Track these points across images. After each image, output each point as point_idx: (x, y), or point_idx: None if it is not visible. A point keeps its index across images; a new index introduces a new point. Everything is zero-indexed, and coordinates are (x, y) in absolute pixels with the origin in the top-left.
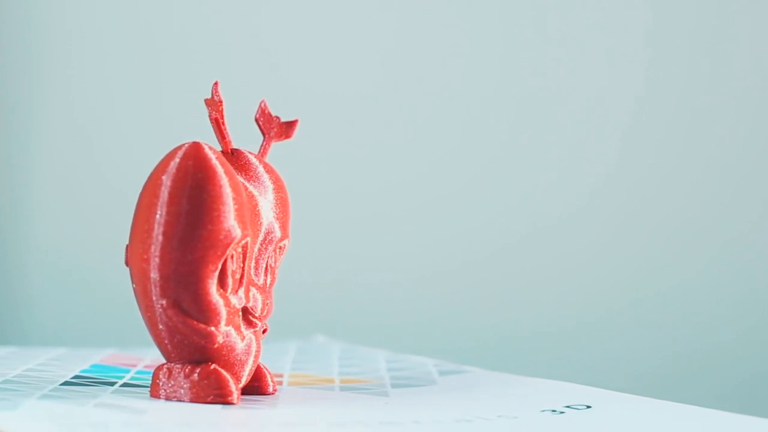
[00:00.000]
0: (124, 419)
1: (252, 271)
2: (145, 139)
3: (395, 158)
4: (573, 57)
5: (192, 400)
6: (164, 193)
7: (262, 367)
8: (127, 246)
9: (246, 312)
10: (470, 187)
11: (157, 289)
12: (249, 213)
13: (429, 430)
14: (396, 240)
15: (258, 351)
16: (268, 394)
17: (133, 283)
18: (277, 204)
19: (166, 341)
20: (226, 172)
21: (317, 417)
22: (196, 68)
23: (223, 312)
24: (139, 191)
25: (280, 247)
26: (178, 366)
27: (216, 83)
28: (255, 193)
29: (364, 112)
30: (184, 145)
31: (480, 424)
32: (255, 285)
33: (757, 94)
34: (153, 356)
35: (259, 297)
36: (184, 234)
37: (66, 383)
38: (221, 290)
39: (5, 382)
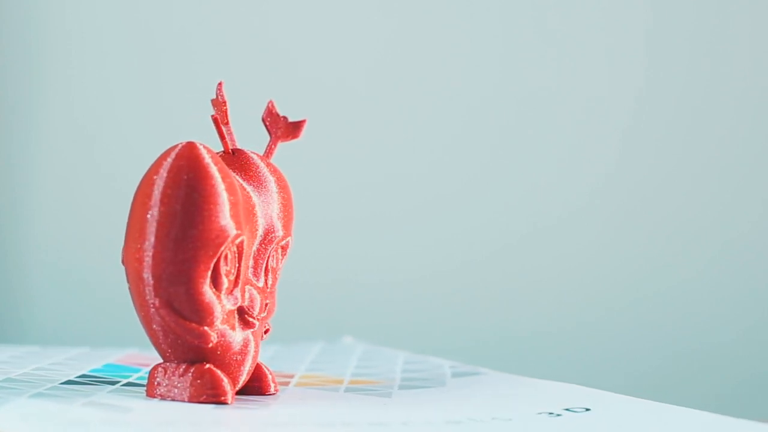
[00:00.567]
0: (104, 417)
1: (250, 271)
2: (145, 139)
3: (396, 158)
4: (573, 57)
5: (186, 400)
6: (156, 193)
7: (263, 367)
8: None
9: (242, 312)
10: (470, 187)
11: (150, 288)
12: (245, 212)
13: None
14: (396, 240)
15: (257, 351)
16: (269, 395)
17: (128, 282)
18: (280, 204)
19: (161, 341)
20: (220, 171)
21: (306, 418)
22: (197, 68)
23: (217, 311)
24: None
25: (283, 247)
26: (173, 365)
27: (220, 83)
28: (253, 192)
29: (364, 112)
30: (178, 144)
31: (470, 426)
32: (253, 285)
33: (757, 94)
34: None
35: (257, 297)
36: (176, 234)
37: (67, 382)
38: (214, 290)
39: (6, 380)
